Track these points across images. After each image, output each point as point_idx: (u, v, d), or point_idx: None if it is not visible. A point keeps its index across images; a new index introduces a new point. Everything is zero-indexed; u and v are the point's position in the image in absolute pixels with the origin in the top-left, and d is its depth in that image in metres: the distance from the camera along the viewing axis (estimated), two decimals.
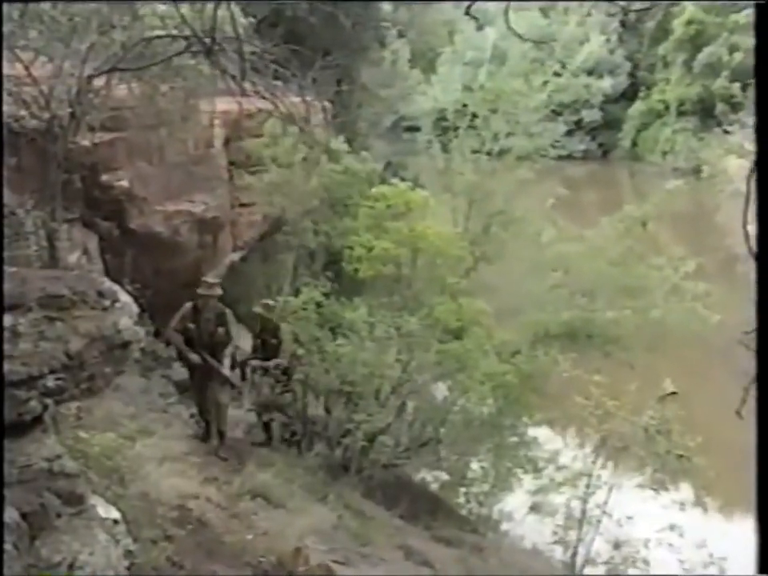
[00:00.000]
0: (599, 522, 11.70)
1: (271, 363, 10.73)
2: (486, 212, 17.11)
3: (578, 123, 62.57)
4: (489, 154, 17.13)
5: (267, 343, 10.86)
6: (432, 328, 11.91)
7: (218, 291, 9.54)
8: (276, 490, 8.66)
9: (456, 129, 17.67)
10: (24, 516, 3.37)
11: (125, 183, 14.79)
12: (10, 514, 3.31)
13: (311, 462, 10.93)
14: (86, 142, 13.18)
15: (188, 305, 9.38)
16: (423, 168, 25.13)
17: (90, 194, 14.25)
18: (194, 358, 9.29)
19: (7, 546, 3.21)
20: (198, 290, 9.45)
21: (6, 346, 3.29)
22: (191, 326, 9.28)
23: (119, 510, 4.35)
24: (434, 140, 19.81)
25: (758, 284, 3.04)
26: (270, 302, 11.23)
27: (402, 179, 15.01)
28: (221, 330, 9.38)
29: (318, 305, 12.10)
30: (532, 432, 13.37)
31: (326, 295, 12.38)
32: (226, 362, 9.48)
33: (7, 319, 3.33)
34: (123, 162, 14.92)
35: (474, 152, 17.29)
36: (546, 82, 17.49)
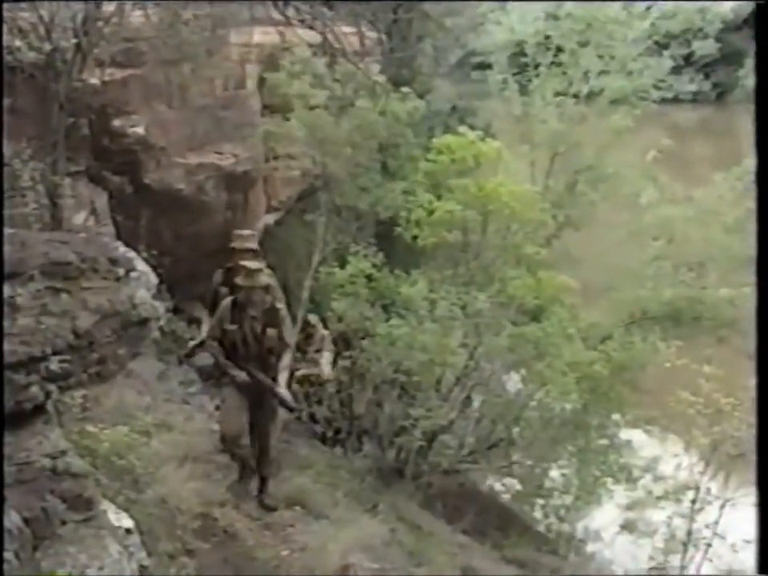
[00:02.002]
0: (708, 545, 11.59)
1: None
2: (572, 167, 16.93)
3: (689, 58, 61.46)
4: (576, 96, 16.92)
5: None
6: (505, 307, 11.86)
7: (263, 280, 8.10)
8: (316, 498, 8.73)
9: (537, 66, 17.48)
10: (24, 522, 3.43)
11: (140, 130, 14.87)
12: (12, 519, 3.36)
13: (358, 464, 11.03)
14: (94, 80, 13.28)
15: (226, 302, 8.08)
16: (496, 114, 24.83)
17: (98, 143, 14.38)
18: (239, 375, 7.85)
19: (8, 555, 3.27)
20: (237, 280, 8.13)
21: (4, 322, 3.33)
22: (231, 327, 7.90)
23: (133, 517, 4.42)
24: (509, 80, 19.58)
25: (759, 284, 3.28)
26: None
27: (471, 127, 14.87)
28: (271, 332, 7.94)
29: (369, 278, 12.13)
30: (625, 434, 13.26)
31: (378, 267, 12.38)
32: (282, 377, 8.01)
33: (4, 290, 3.36)
34: (138, 105, 15.00)
35: (559, 94, 17.09)
36: (649, 8, 17.21)
